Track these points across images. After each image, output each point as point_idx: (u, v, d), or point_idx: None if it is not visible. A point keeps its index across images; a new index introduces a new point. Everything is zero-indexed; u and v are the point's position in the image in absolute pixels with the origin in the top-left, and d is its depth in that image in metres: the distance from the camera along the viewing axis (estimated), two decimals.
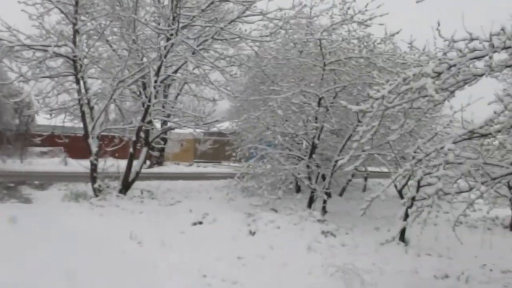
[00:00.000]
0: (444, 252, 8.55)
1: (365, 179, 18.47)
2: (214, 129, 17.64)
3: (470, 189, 4.81)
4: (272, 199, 11.67)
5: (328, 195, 16.64)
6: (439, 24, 5.36)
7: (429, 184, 4.97)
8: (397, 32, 11.16)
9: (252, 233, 9.15)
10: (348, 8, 11.34)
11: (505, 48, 5.16)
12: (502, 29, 5.07)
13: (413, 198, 5.68)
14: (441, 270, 7.27)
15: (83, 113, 12.16)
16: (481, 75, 5.52)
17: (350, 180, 16.87)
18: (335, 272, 6.72)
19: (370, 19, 11.08)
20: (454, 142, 4.76)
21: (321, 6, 12.60)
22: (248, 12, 12.24)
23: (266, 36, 12.55)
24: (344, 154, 10.73)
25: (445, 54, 5.29)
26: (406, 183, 9.60)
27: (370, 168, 16.98)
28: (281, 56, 12.57)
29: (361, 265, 7.55)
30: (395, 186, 11.49)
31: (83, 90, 12.01)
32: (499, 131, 4.92)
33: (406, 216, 9.91)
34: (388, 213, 10.68)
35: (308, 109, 11.57)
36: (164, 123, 16.83)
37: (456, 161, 4.58)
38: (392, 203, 8.49)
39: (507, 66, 5.41)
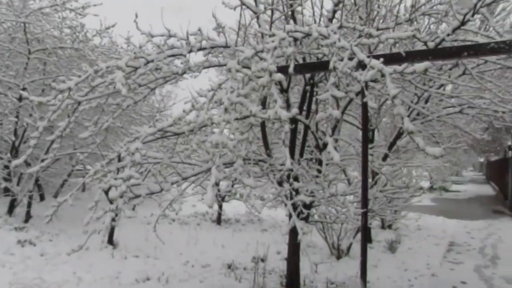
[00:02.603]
0: (152, 253, 8.63)
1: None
2: None
3: (161, 190, 4.79)
4: None
5: (41, 197, 15.14)
6: (137, 16, 5.18)
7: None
8: (113, 26, 10.84)
9: None
10: None
11: (202, 49, 5.37)
12: (199, 30, 5.24)
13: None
14: (144, 272, 7.23)
15: None
16: (182, 73, 5.62)
17: (66, 180, 15.70)
18: None
19: (83, 7, 10.43)
20: (145, 142, 4.65)
21: None
22: None
23: None
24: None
25: (140, 47, 5.15)
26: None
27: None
28: None
29: (59, 275, 6.94)
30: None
31: None
32: (191, 130, 5.04)
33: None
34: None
35: (5, 101, 10.11)
36: None
37: (143, 161, 4.46)
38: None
39: (204, 68, 5.65)
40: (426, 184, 27.40)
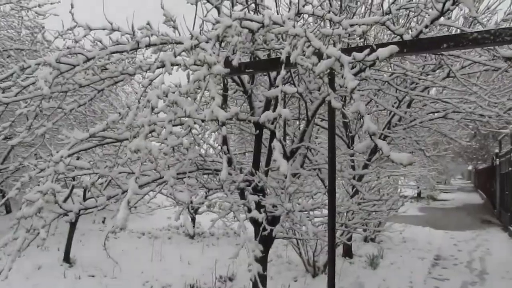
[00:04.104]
0: (110, 271, 7.95)
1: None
2: None
3: (95, 206, 4.17)
4: None
5: (7, 209, 14.47)
6: (72, 6, 4.58)
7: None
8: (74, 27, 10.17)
9: None
10: None
11: (151, 45, 4.77)
12: (148, 24, 4.65)
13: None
14: None
15: None
16: (132, 74, 5.04)
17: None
18: None
19: (39, 5, 9.78)
20: (76, 152, 4.03)
21: None
22: None
23: None
24: None
25: (77, 42, 4.55)
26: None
27: None
28: None
29: None
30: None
31: None
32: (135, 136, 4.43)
33: (72, 233, 9.06)
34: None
35: None
36: None
37: (67, 172, 3.85)
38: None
39: (158, 67, 5.06)
40: (413, 192, 27.02)
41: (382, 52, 2.37)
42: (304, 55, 2.97)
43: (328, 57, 2.63)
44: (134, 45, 4.62)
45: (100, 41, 4.88)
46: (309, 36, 2.83)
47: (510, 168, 15.02)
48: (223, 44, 4.03)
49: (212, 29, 3.63)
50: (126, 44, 4.68)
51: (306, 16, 5.73)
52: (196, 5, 4.87)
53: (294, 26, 3.09)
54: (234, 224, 7.59)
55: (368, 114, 6.50)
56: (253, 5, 5.10)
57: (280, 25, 3.30)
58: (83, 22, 4.66)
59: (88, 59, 4.61)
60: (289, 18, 3.33)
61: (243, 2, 5.21)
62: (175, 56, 3.31)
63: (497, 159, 18.92)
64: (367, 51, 2.47)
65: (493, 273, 8.96)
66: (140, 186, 4.45)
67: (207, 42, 3.39)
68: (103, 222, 14.41)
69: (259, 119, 4.93)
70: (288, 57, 2.94)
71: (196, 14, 4.68)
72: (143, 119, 2.83)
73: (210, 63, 2.95)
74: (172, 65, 3.43)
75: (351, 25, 3.51)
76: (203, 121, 2.94)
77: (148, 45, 4.75)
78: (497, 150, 19.82)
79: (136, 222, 13.67)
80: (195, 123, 3.22)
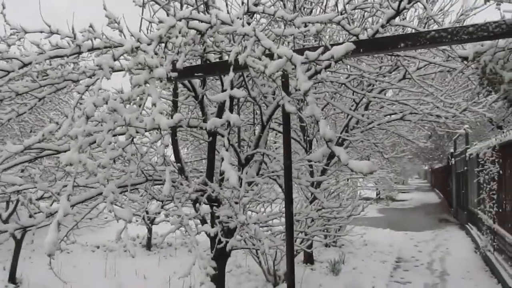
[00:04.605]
0: None
1: None
2: None
3: (33, 225, 3.81)
4: None
5: None
6: (4, 7, 4.22)
7: None
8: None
9: None
10: None
11: (94, 49, 4.45)
12: (91, 26, 4.34)
13: None
14: None
15: None
16: (76, 80, 4.72)
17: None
18: None
19: None
20: (12, 166, 3.68)
21: None
22: None
23: None
24: None
25: (9, 46, 4.19)
26: (12, 212, 8.08)
27: None
28: None
29: None
30: None
31: None
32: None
33: (18, 250, 8.52)
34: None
35: None
36: None
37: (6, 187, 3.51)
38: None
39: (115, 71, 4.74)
40: (372, 194, 27.36)
41: (338, 50, 2.18)
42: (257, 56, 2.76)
43: (280, 57, 2.43)
44: (75, 49, 4.29)
45: (38, 45, 4.52)
46: (258, 35, 2.62)
47: (465, 167, 15.34)
48: (170, 46, 3.77)
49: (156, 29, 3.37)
50: (67, 48, 4.36)
51: (258, 17, 5.56)
52: (143, 7, 4.61)
53: (243, 25, 2.88)
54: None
55: (325, 118, 6.37)
56: (202, 6, 4.87)
57: (229, 25, 3.09)
58: (17, 24, 4.33)
59: (25, 65, 4.27)
60: (238, 17, 3.11)
61: (194, 4, 4.96)
62: (115, 60, 3.03)
63: (453, 159, 19.36)
64: (320, 49, 2.28)
65: (454, 273, 9.03)
66: (85, 200, 4.12)
67: (149, 44, 3.14)
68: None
69: (208, 123, 4.69)
70: (237, 59, 2.73)
71: (142, 15, 4.41)
72: (76, 129, 2.55)
73: (151, 66, 2.69)
74: (115, 70, 3.16)
75: (305, 25, 3.34)
76: (146, 130, 2.68)
77: (91, 49, 4.43)
78: (452, 150, 20.29)
79: (90, 234, 13.09)
80: (137, 132, 2.95)
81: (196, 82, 5.27)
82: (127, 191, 4.73)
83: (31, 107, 5.14)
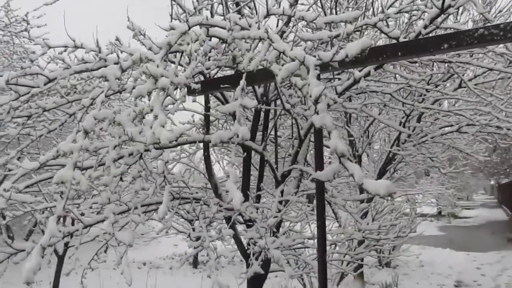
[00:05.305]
0: None
1: None
2: None
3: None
4: None
5: (10, 239, 14.03)
6: (28, 23, 4.19)
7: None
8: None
9: None
10: None
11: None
12: (117, 39, 4.24)
13: None
14: None
15: None
16: (109, 95, 4.62)
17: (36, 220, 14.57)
18: None
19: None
20: (33, 184, 3.58)
21: None
22: None
23: None
24: None
25: (32, 61, 4.14)
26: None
27: None
28: None
29: None
30: None
31: None
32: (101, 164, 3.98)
33: (60, 267, 8.58)
34: None
35: None
36: None
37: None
38: None
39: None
40: (432, 211, 26.12)
41: (352, 47, 1.86)
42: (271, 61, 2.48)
43: (293, 60, 2.13)
44: (101, 63, 4.17)
45: (63, 60, 4.43)
46: (272, 37, 2.33)
47: None
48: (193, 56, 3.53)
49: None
50: (92, 62, 4.24)
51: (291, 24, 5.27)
52: (171, 17, 4.44)
53: (258, 28, 2.60)
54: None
55: (375, 132, 5.81)
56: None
57: (246, 29, 2.83)
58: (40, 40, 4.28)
59: (50, 80, 4.19)
60: (256, 22, 2.84)
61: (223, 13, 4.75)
62: (123, 71, 2.84)
63: None
64: (334, 49, 1.95)
65: None
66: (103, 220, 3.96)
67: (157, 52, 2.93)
68: (105, 251, 13.93)
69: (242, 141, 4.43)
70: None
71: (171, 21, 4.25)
72: (71, 145, 2.35)
73: (155, 75, 2.47)
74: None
75: (331, 28, 3.02)
76: (146, 144, 2.45)
77: (117, 63, 4.29)
78: None
79: (138, 250, 13.13)
80: (146, 150, 2.73)
81: (230, 94, 5.04)
82: (152, 210, 4.56)
83: (62, 123, 5.09)
